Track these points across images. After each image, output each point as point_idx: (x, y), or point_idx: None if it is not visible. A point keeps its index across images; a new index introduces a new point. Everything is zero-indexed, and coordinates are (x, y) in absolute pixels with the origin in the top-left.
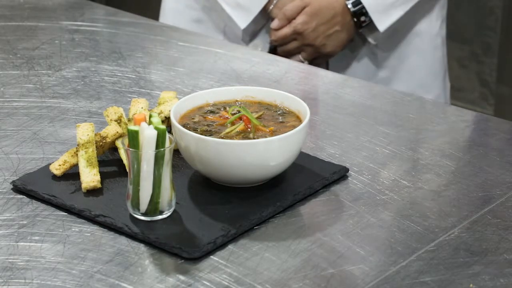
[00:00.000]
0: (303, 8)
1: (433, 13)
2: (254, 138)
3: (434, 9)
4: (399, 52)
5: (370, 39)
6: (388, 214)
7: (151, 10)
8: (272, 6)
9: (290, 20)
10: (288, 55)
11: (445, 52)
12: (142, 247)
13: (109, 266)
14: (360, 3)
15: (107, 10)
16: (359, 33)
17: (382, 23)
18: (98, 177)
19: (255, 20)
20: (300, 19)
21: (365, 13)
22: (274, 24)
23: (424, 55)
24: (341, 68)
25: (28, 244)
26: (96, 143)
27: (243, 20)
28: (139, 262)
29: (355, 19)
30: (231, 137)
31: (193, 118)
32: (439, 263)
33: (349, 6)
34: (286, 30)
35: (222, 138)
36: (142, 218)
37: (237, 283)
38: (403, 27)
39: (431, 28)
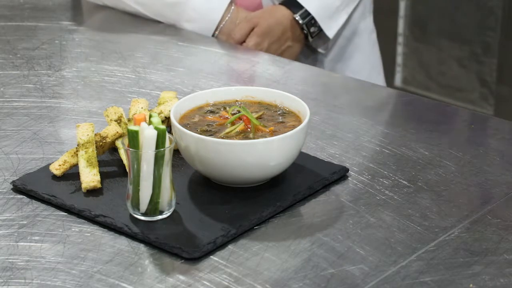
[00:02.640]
0: (252, 29)
1: (366, 9)
2: (254, 138)
3: (366, 6)
4: (343, 54)
5: (320, 49)
6: (388, 214)
7: None
8: (217, 32)
9: (240, 43)
10: None
11: (378, 47)
12: (142, 247)
13: (109, 266)
14: (309, 14)
15: (107, 10)
16: (307, 44)
17: (331, 30)
18: (98, 177)
19: None
20: (251, 41)
21: (314, 23)
22: None
23: (365, 52)
24: None
25: (28, 244)
26: (96, 143)
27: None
28: (139, 262)
29: (305, 31)
30: (231, 137)
31: (193, 118)
32: (439, 263)
33: (298, 18)
34: None
35: (222, 138)
36: (142, 218)
37: (237, 283)
38: (343, 29)
39: (366, 25)
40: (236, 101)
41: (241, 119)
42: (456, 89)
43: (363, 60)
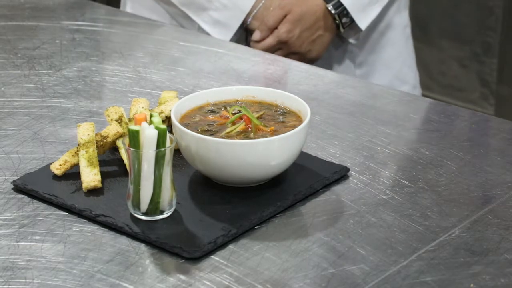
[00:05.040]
0: (284, 16)
1: (401, 4)
2: (254, 138)
3: (401, 1)
4: (375, 47)
5: (351, 40)
6: (388, 214)
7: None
8: (250, 18)
9: (272, 30)
10: None
11: (412, 42)
12: (142, 247)
13: (109, 265)
14: (342, 4)
15: (108, 9)
16: (337, 34)
17: (363, 21)
18: (98, 177)
19: (235, 34)
20: (283, 28)
21: (346, 14)
22: (256, 36)
23: (398, 47)
24: None
25: (29, 243)
26: (96, 143)
27: (222, 37)
28: (139, 262)
29: (337, 21)
30: (231, 137)
31: (193, 118)
32: (439, 263)
33: (330, 8)
34: (270, 41)
35: (223, 137)
36: (143, 217)
37: (237, 283)
38: (377, 22)
39: (401, 19)
40: (237, 100)
41: (241, 119)
42: (456, 89)
43: (396, 54)
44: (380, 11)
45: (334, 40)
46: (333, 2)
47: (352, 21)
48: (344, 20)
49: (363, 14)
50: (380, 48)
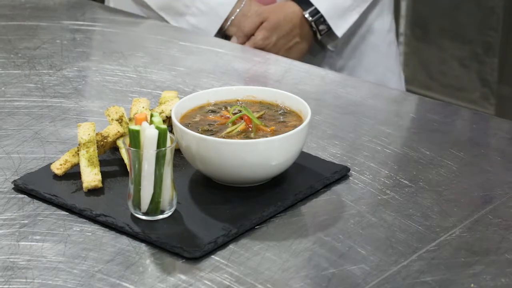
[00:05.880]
0: (261, 23)
1: (384, 9)
2: (255, 138)
3: (384, 6)
4: (356, 52)
5: (329, 47)
6: (389, 213)
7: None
8: (228, 24)
9: (249, 36)
10: None
11: (398, 47)
12: (143, 247)
13: (110, 265)
14: (318, 12)
15: (108, 9)
16: (316, 41)
17: (340, 29)
18: (99, 177)
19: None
20: (260, 35)
21: (323, 21)
22: (233, 42)
23: (380, 52)
24: None
25: (29, 243)
26: (97, 143)
27: None
28: (140, 262)
29: (314, 28)
30: (232, 137)
31: (194, 118)
32: (440, 263)
33: (307, 16)
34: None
35: (223, 137)
36: (143, 217)
37: (238, 283)
38: (357, 27)
39: (383, 24)
40: (237, 100)
41: (242, 119)
42: (457, 89)
43: (377, 59)
44: (359, 17)
45: (314, 46)
46: (310, 10)
47: (329, 28)
48: (321, 27)
49: (340, 21)
50: (360, 53)
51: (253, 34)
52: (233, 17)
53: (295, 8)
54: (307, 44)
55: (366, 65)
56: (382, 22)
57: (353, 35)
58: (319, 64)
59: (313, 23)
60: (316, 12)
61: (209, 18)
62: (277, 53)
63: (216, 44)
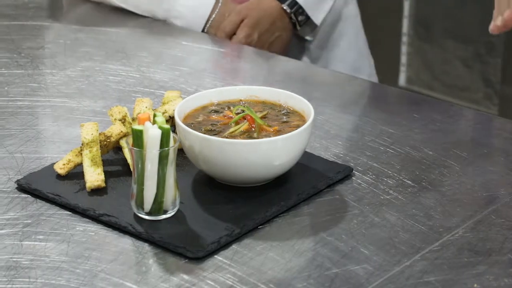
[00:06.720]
0: (241, 21)
1: None
2: (258, 138)
3: None
4: (329, 41)
5: (307, 37)
6: (392, 213)
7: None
8: (207, 26)
9: (230, 36)
10: None
11: (363, 31)
12: (146, 247)
13: (113, 265)
14: (297, 3)
15: (111, 9)
16: (294, 33)
17: (318, 17)
18: (102, 177)
19: None
20: (242, 33)
21: (302, 12)
22: None
23: (350, 38)
24: None
25: (33, 243)
26: (100, 143)
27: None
28: (143, 262)
29: (293, 20)
30: (235, 137)
31: (197, 118)
32: (443, 263)
33: (286, 8)
34: None
35: (226, 137)
36: (146, 217)
37: (241, 283)
38: (328, 16)
39: (350, 11)
40: (240, 100)
41: (245, 119)
42: (460, 89)
43: (349, 45)
44: (332, 4)
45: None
46: (288, 2)
47: (307, 18)
48: (300, 18)
49: (317, 10)
50: (333, 41)
51: (234, 33)
52: (211, 19)
53: (273, 2)
54: (289, 36)
55: (339, 54)
56: (349, 9)
57: (324, 24)
58: (296, 55)
59: (292, 15)
60: (294, 3)
61: (190, 19)
62: (261, 48)
63: (219, 44)
